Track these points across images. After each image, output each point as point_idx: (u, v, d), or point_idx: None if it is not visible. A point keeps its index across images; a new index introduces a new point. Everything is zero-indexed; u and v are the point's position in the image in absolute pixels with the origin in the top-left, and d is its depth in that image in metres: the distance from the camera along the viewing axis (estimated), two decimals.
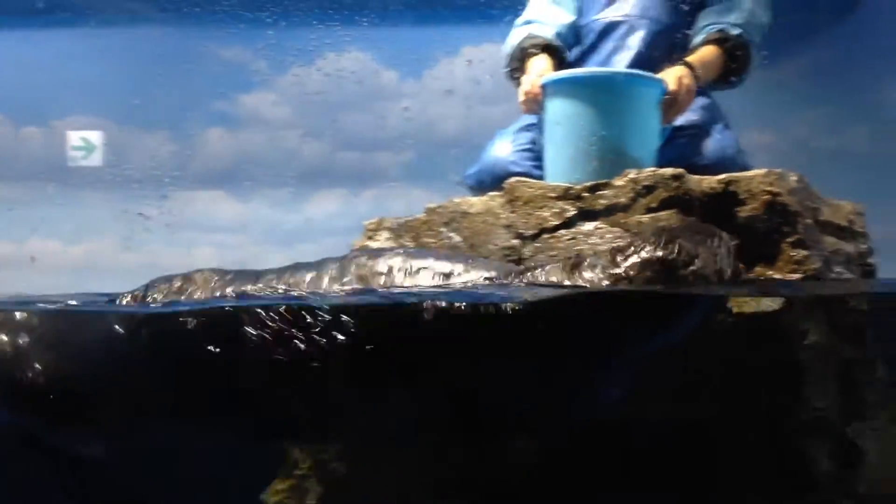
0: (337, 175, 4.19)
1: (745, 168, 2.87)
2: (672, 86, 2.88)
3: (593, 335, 2.07)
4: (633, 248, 2.09)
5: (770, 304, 2.35)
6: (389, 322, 2.08)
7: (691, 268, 2.03)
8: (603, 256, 2.11)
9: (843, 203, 2.64)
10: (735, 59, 3.11)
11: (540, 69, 3.08)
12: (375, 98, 4.19)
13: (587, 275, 2.08)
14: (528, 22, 3.27)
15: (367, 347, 2.05)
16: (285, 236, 3.78)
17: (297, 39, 3.55)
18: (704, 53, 3.08)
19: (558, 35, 3.23)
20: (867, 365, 2.47)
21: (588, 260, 2.11)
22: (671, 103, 2.90)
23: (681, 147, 3.00)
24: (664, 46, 3.16)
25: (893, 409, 2.50)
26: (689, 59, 3.03)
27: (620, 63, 3.16)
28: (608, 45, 3.22)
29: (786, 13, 4.37)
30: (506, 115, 3.32)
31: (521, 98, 3.04)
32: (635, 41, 3.18)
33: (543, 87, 2.94)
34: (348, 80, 4.00)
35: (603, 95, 2.82)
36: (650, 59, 3.12)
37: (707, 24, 3.13)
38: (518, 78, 3.18)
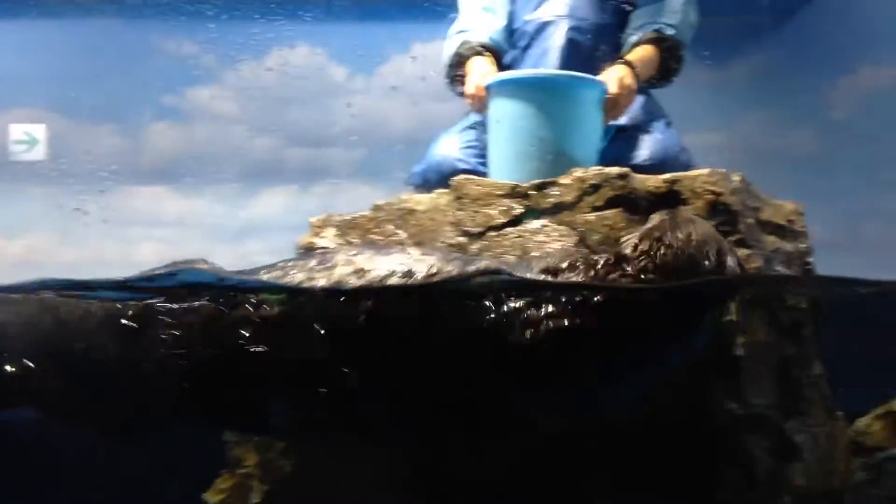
0: (285, 171, 4.16)
1: (689, 166, 2.91)
2: (613, 87, 2.91)
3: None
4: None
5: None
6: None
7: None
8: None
9: (783, 203, 2.69)
10: (669, 59, 3.17)
11: (482, 69, 3.09)
12: (324, 94, 4.16)
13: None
14: (462, 31, 3.26)
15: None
16: (232, 233, 3.75)
17: (245, 34, 3.52)
18: (642, 53, 3.12)
19: (492, 40, 3.23)
20: (805, 362, 2.52)
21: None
22: (613, 104, 2.93)
23: (623, 146, 3.02)
24: (595, 45, 3.20)
25: (828, 404, 2.55)
26: (629, 58, 3.07)
27: (552, 63, 3.18)
28: (540, 46, 3.24)
29: (732, 15, 4.45)
30: (454, 112, 3.32)
31: (467, 99, 3.07)
32: (565, 41, 3.19)
33: (487, 88, 2.96)
34: (297, 76, 3.98)
35: (545, 96, 2.84)
36: (581, 58, 3.15)
37: (642, 24, 3.17)
38: (458, 84, 3.20)
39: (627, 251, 2.10)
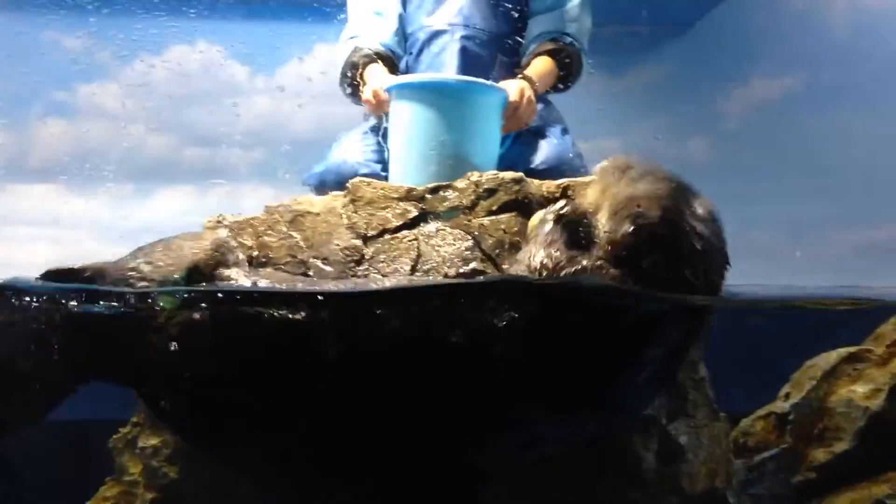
0: (181, 171, 4.09)
1: (583, 172, 2.96)
2: (513, 96, 2.94)
3: None
4: None
5: None
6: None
7: None
8: None
9: None
10: (568, 66, 3.21)
11: (380, 75, 3.09)
12: (225, 93, 4.10)
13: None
14: (353, 37, 3.25)
15: None
16: (127, 232, 3.65)
17: (141, 30, 3.44)
18: (541, 65, 3.16)
19: (385, 46, 3.22)
20: (690, 365, 2.58)
21: None
22: (513, 115, 2.95)
23: (519, 151, 3.06)
24: (491, 54, 3.22)
25: (712, 406, 2.62)
26: (528, 72, 3.10)
27: (446, 71, 3.18)
28: (433, 54, 3.23)
29: (630, 24, 4.54)
30: (354, 115, 3.31)
31: (366, 104, 3.07)
32: (459, 49, 3.20)
33: (388, 91, 2.96)
34: (196, 74, 3.91)
35: (445, 101, 2.85)
36: (476, 66, 3.15)
37: (539, 33, 3.21)
38: (354, 90, 3.18)
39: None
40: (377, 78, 3.07)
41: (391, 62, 3.22)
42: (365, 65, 3.16)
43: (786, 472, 2.68)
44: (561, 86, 3.27)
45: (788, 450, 2.68)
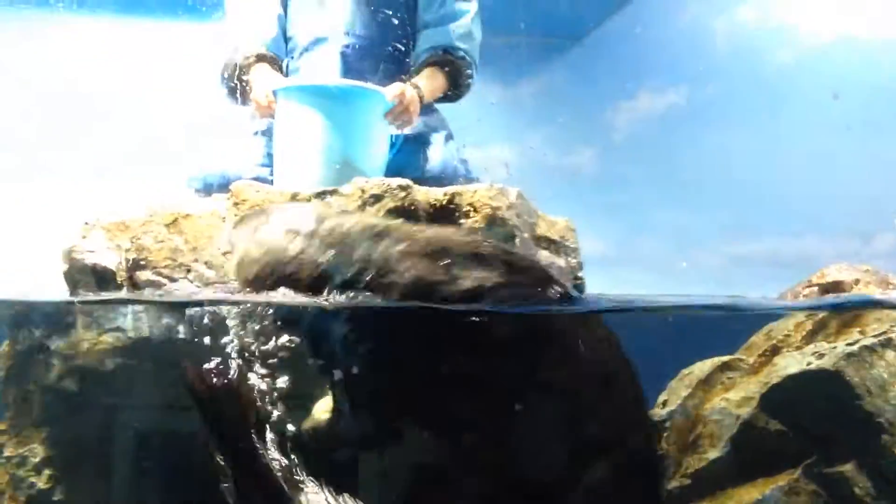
0: (53, 169, 3.93)
1: (469, 180, 2.98)
2: (390, 96, 2.91)
3: None
4: None
5: None
6: None
7: None
8: None
9: (557, 219, 2.78)
10: (456, 78, 3.24)
11: (268, 77, 3.05)
12: (101, 88, 3.96)
13: None
14: (234, 37, 3.19)
15: None
16: None
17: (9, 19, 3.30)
18: (429, 74, 3.17)
19: (268, 48, 3.17)
20: None
21: None
22: (397, 116, 2.95)
23: (405, 157, 3.06)
24: (373, 61, 3.21)
25: None
26: (415, 79, 3.10)
27: (328, 75, 3.15)
28: (314, 59, 3.20)
29: (522, 35, 4.59)
30: (240, 115, 3.25)
31: (255, 107, 3.01)
32: (339, 55, 3.18)
33: (274, 94, 2.92)
34: (70, 68, 3.78)
35: (330, 104, 2.83)
36: (357, 72, 3.14)
37: (429, 47, 3.21)
38: (235, 93, 3.13)
39: None
40: (265, 80, 3.02)
41: (276, 63, 3.17)
42: (249, 66, 3.10)
43: (660, 478, 2.73)
44: (451, 95, 3.29)
45: (664, 456, 2.73)
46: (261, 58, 3.12)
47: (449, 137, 3.22)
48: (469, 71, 3.25)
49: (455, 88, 3.26)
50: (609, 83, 4.93)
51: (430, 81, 3.15)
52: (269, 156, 3.03)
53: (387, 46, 3.22)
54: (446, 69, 3.20)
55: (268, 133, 3.07)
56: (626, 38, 4.86)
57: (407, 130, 3.08)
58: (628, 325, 3.14)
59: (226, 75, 3.15)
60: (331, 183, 2.60)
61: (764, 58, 4.45)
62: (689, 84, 4.81)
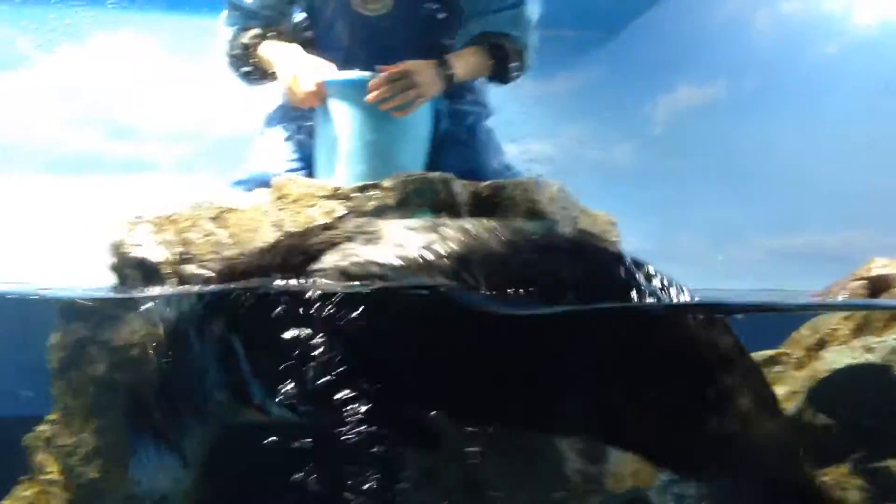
0: (102, 165, 3.99)
1: (510, 175, 2.97)
2: (396, 68, 2.77)
3: None
4: None
5: None
6: None
7: None
8: None
9: (598, 213, 2.77)
10: (503, 60, 3.05)
11: (303, 61, 2.91)
12: (150, 85, 4.01)
13: None
14: (237, 10, 3.08)
15: None
16: (41, 228, 3.54)
17: (64, 17, 3.34)
18: (467, 53, 3.02)
19: (267, 18, 3.05)
20: None
21: None
22: (388, 88, 2.77)
23: (448, 152, 3.04)
24: (411, 39, 3.03)
25: None
26: (447, 56, 2.94)
27: (361, 58, 2.98)
28: (343, 36, 3.05)
29: (559, 29, 4.58)
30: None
31: (297, 96, 2.89)
32: (373, 33, 3.03)
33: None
34: (121, 64, 3.82)
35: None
36: (393, 53, 2.93)
37: (476, 26, 3.07)
38: (252, 75, 3.07)
39: None
40: (301, 64, 2.88)
41: (284, 36, 3.04)
42: (256, 45, 3.01)
43: None
44: (499, 76, 3.12)
45: None
46: (267, 33, 3.02)
47: (492, 133, 3.20)
48: (519, 53, 3.07)
49: (500, 70, 3.08)
50: (648, 77, 4.89)
51: (466, 59, 2.99)
52: (305, 151, 3.03)
53: (432, 26, 3.05)
54: (490, 48, 3.03)
55: (303, 130, 3.06)
56: (665, 31, 4.83)
57: (450, 127, 3.04)
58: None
59: (236, 55, 3.07)
60: (372, 177, 2.61)
61: (807, 49, 4.41)
62: (730, 77, 4.77)
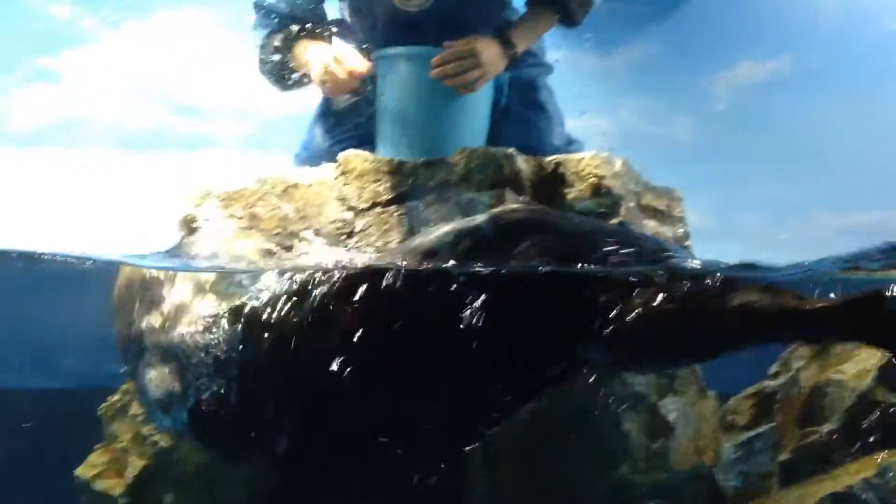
0: (169, 142, 4.04)
1: (573, 148, 2.95)
2: (450, 51, 2.72)
3: None
4: None
5: None
6: None
7: None
8: None
9: (663, 188, 2.75)
10: (573, 9, 2.95)
11: (329, 49, 2.85)
12: (213, 62, 4.04)
13: None
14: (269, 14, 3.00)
15: None
16: (111, 204, 3.61)
17: None
18: (527, 16, 2.96)
19: (298, 19, 2.95)
20: None
21: None
22: (453, 66, 2.73)
23: (511, 127, 3.03)
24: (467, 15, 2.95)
25: (701, 384, 2.63)
26: (511, 31, 2.87)
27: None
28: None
29: (616, 3, 4.52)
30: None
31: (338, 79, 2.79)
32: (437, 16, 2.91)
33: (376, 61, 2.88)
34: (185, 41, 3.85)
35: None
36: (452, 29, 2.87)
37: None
38: (287, 78, 2.98)
39: None
40: (333, 55, 2.81)
41: (317, 36, 2.96)
42: (289, 46, 2.93)
43: (773, 450, 2.70)
44: (565, 24, 3.01)
45: (776, 428, 2.70)
46: (303, 33, 2.93)
47: (555, 108, 3.18)
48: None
49: (566, 15, 2.97)
50: (708, 52, 4.81)
51: (527, 28, 2.93)
52: (361, 129, 3.02)
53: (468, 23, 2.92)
54: (553, 6, 2.94)
55: (355, 111, 3.05)
56: (726, 5, 4.74)
57: (512, 103, 3.01)
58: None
59: (274, 61, 2.97)
60: (435, 152, 2.61)
61: (875, 23, 4.30)
62: (794, 52, 4.67)
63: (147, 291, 2.43)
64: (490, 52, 2.80)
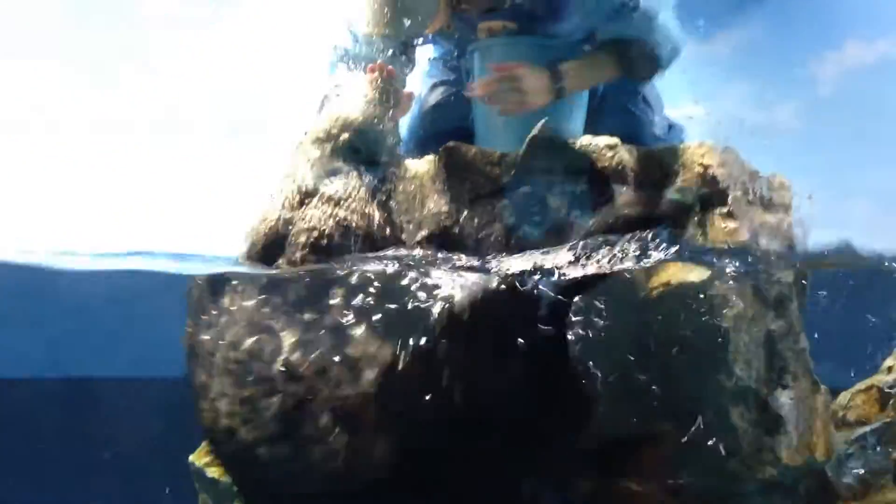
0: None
1: (675, 135, 2.91)
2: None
3: None
4: None
5: (697, 273, 2.39)
6: None
7: None
8: None
9: (769, 176, 2.69)
10: (633, 64, 2.94)
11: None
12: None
13: None
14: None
15: None
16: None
17: None
18: (589, 60, 2.94)
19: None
20: (790, 335, 2.52)
21: None
22: (494, 92, 2.76)
23: (611, 116, 3.00)
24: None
25: (812, 377, 2.56)
26: (565, 65, 2.85)
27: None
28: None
29: None
30: None
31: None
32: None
33: (471, 53, 2.88)
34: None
35: (537, 63, 2.79)
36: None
37: (603, 34, 2.95)
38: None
39: None
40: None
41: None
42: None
43: (887, 446, 2.62)
44: (633, 76, 3.01)
45: (890, 424, 2.61)
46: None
47: (658, 99, 3.14)
48: (647, 55, 2.92)
49: (632, 69, 2.96)
50: (812, 33, 4.67)
51: (583, 69, 2.89)
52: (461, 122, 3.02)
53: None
54: (617, 54, 2.92)
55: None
56: None
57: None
58: (847, 282, 3.03)
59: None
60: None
61: None
62: None
63: None
64: (535, 83, 2.78)
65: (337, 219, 2.40)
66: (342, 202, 2.42)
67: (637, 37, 2.88)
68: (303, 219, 2.41)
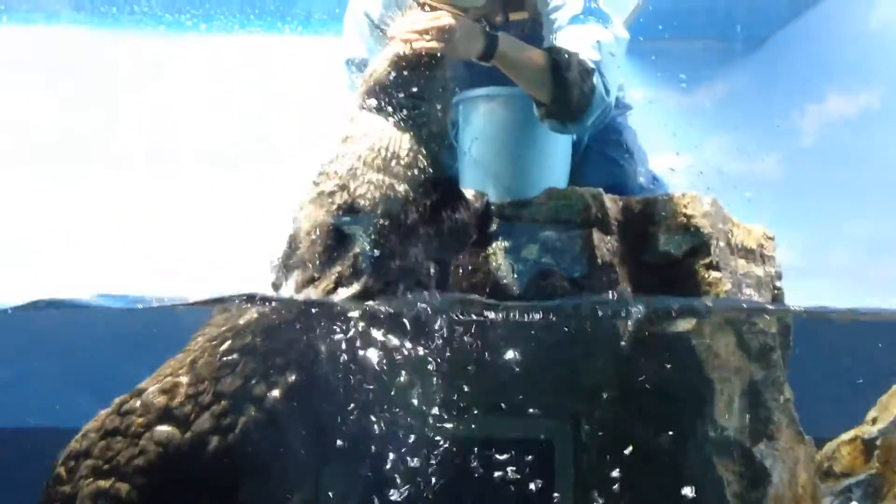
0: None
1: (658, 187, 2.93)
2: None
3: None
4: None
5: (682, 323, 2.39)
6: None
7: None
8: None
9: (753, 227, 2.70)
10: (565, 85, 2.64)
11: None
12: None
13: None
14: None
15: None
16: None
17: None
18: (529, 49, 2.68)
19: None
20: (774, 385, 2.52)
21: None
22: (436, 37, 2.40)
23: (595, 167, 3.02)
24: None
25: (797, 428, 2.55)
26: (503, 35, 2.61)
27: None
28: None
29: (701, 39, 4.49)
30: None
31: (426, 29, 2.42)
32: None
33: (457, 104, 2.88)
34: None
35: (521, 114, 2.81)
36: None
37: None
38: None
39: None
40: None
41: None
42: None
43: (873, 498, 2.61)
44: (560, 99, 2.66)
45: (876, 476, 2.60)
46: None
47: (634, 137, 3.16)
48: (587, 92, 2.67)
49: (559, 91, 2.65)
50: (795, 86, 4.73)
51: (520, 47, 2.64)
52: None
53: None
54: (556, 64, 2.65)
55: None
56: (812, 39, 4.67)
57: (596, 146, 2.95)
58: (825, 335, 3.03)
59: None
60: (517, 193, 2.61)
61: None
62: (883, 84, 4.57)
63: None
64: (461, 35, 2.46)
65: None
66: None
67: (582, 62, 2.68)
68: None
